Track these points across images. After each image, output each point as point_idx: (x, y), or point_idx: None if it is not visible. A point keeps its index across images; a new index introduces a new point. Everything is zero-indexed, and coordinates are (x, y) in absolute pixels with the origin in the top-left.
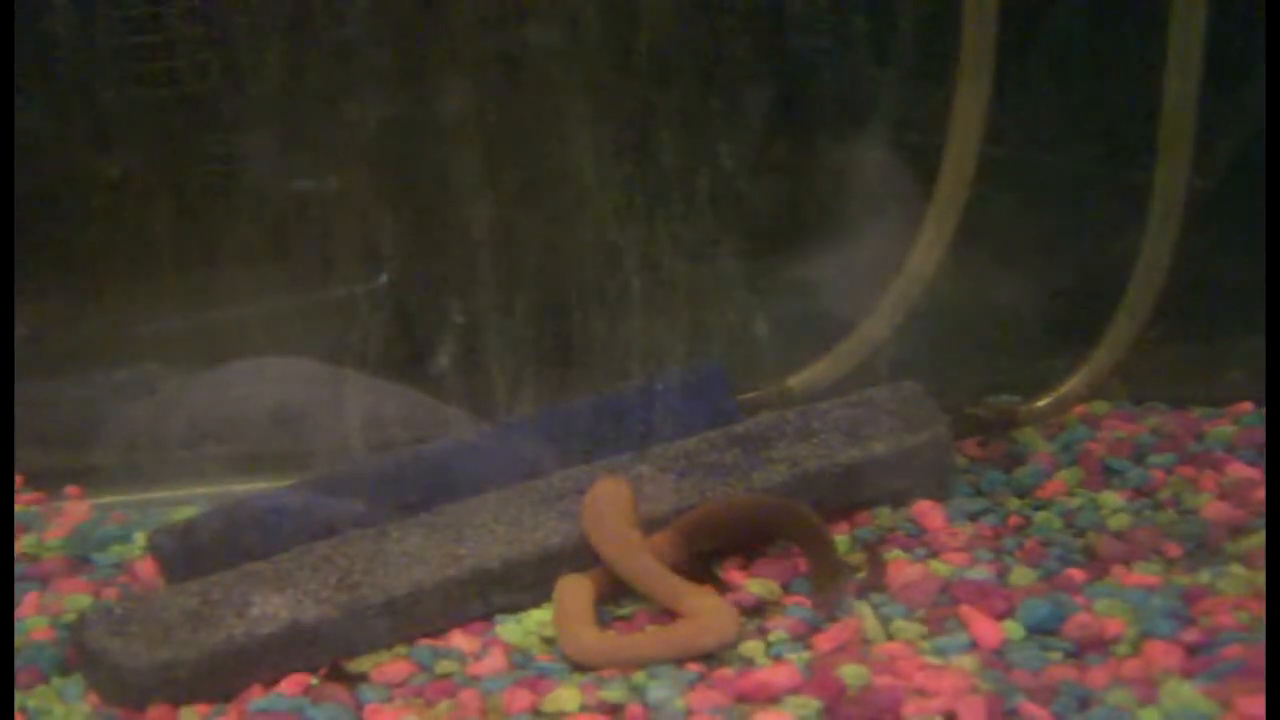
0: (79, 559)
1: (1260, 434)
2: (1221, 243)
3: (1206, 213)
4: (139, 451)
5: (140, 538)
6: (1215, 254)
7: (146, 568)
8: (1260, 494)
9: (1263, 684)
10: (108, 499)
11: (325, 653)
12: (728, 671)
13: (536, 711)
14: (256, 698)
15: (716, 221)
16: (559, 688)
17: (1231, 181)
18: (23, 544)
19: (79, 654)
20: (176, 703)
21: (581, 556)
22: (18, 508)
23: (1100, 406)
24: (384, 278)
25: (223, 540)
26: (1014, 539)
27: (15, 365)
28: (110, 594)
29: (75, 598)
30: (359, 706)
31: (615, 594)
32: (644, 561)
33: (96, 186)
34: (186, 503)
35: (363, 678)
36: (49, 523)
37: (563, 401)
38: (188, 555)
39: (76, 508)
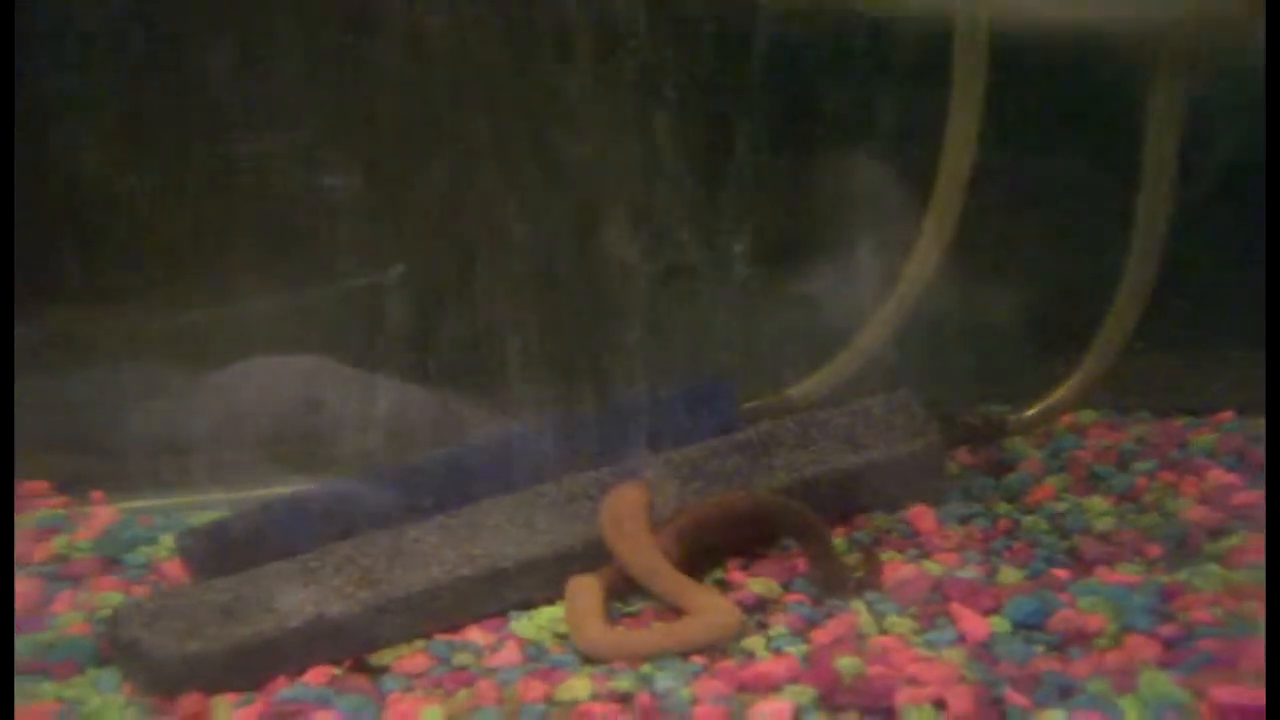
0: (109, 559)
1: (1239, 440)
2: (1206, 255)
3: (1191, 225)
4: (163, 456)
5: (167, 540)
6: (1200, 267)
7: (174, 568)
8: (1238, 498)
9: (1234, 674)
10: (134, 503)
11: (348, 646)
12: (730, 663)
13: (550, 700)
14: (283, 688)
15: (717, 235)
16: (572, 678)
17: (1216, 193)
18: (54, 546)
19: (113, 647)
20: (208, 692)
21: (591, 556)
22: (46, 513)
23: (1087, 415)
24: (397, 270)
25: (248, 541)
26: (1002, 541)
27: (39, 373)
28: (141, 592)
29: (107, 595)
30: (381, 696)
31: (623, 592)
32: (655, 561)
33: (121, 191)
34: (211, 506)
35: (384, 669)
36: (77, 526)
37: (575, 410)
38: (215, 555)
39: (103, 512)
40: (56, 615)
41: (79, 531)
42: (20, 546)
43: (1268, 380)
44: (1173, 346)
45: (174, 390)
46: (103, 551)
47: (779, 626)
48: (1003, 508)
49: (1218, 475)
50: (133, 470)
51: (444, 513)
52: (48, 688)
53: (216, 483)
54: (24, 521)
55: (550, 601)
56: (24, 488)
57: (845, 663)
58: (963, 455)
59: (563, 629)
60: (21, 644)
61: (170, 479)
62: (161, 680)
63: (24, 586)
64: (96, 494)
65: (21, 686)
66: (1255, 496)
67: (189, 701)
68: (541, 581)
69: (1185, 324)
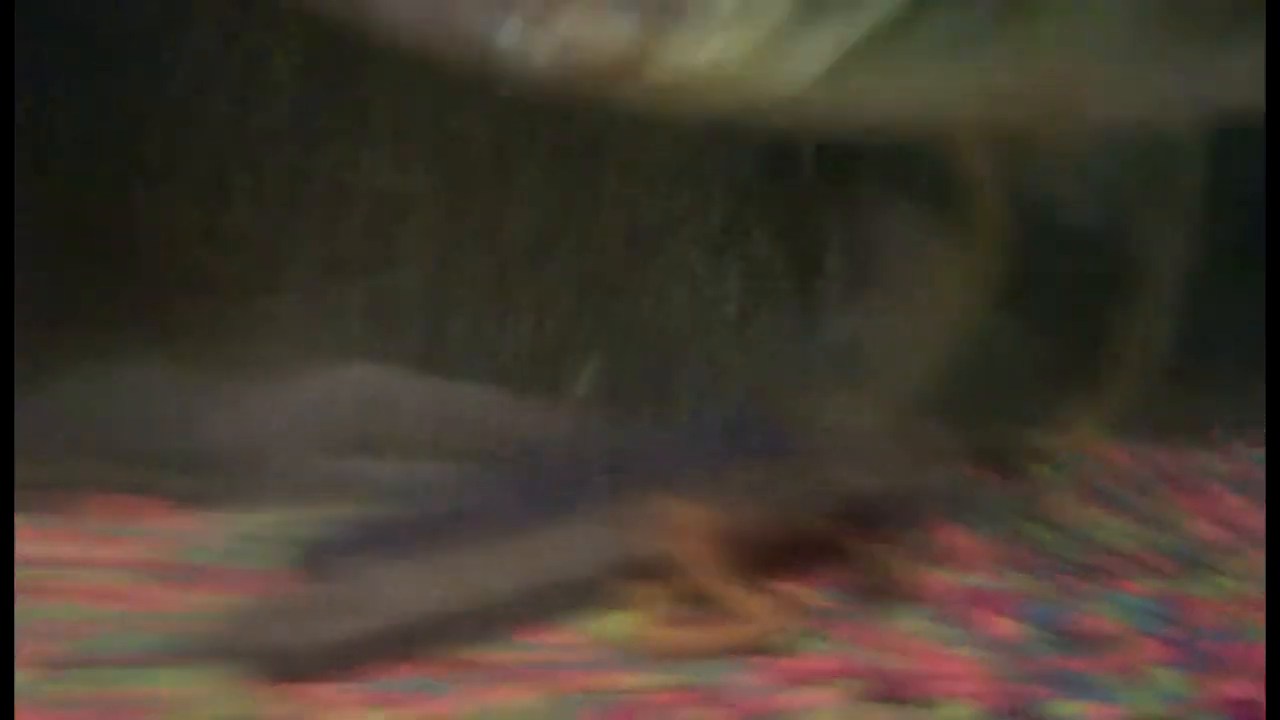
0: (185, 565)
1: (1247, 466)
2: (1215, 289)
3: (1200, 262)
4: (237, 469)
5: (240, 550)
6: (1208, 300)
7: (249, 576)
8: (1245, 519)
9: (1234, 672)
10: (210, 514)
11: (420, 645)
12: (770, 659)
13: (608, 690)
14: (358, 679)
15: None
16: (627, 674)
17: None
18: (136, 551)
19: (209, 643)
20: (304, 682)
21: (646, 567)
22: (121, 521)
23: (1103, 440)
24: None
25: (325, 552)
26: (1023, 554)
27: (82, 384)
28: (234, 593)
29: (185, 596)
30: (449, 685)
31: (677, 598)
32: (708, 570)
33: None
34: (282, 519)
35: (465, 664)
36: (152, 535)
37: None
38: (290, 564)
39: (179, 521)
40: (132, 613)
41: (153, 539)
42: (98, 550)
43: (1268, 388)
44: (1186, 375)
45: (257, 398)
46: (177, 559)
47: (820, 629)
48: (1021, 524)
49: (1225, 497)
50: (206, 481)
51: (518, 525)
52: (139, 675)
53: (291, 495)
54: (98, 528)
55: (610, 609)
56: (109, 500)
57: (881, 660)
58: (984, 476)
59: (619, 632)
60: (118, 640)
61: (246, 491)
62: (259, 674)
63: (117, 588)
64: (168, 503)
65: (120, 676)
66: (1259, 517)
67: (287, 691)
68: (601, 590)
69: (1198, 353)
